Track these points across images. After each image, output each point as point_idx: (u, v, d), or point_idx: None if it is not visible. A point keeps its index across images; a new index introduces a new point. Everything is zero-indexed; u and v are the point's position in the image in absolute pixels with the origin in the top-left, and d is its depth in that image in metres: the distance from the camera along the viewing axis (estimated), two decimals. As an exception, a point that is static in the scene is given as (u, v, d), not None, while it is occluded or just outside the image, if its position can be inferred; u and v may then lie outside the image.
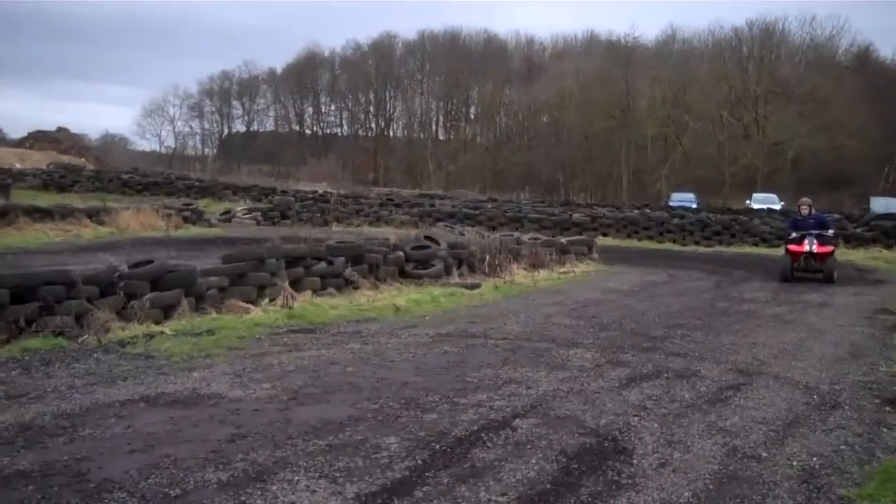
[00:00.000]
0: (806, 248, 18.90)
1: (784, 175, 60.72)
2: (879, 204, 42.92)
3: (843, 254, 26.67)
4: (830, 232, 19.41)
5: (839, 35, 66.35)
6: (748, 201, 47.75)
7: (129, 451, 5.47)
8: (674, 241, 31.10)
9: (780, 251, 25.93)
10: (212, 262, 12.75)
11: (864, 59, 70.85)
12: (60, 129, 69.13)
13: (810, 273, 19.12)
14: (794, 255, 19.16)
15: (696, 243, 30.71)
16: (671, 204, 46.03)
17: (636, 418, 6.67)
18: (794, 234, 19.36)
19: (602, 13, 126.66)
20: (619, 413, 6.81)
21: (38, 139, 66.91)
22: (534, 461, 5.51)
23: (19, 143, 67.39)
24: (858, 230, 30.64)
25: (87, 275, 9.64)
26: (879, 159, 58.69)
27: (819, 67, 63.96)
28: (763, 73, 61.89)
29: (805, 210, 19.67)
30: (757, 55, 63.46)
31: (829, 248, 19.12)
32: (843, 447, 6.11)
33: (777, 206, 44.39)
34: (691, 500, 4.96)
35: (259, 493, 4.78)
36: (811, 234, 18.96)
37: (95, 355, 8.32)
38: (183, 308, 10.41)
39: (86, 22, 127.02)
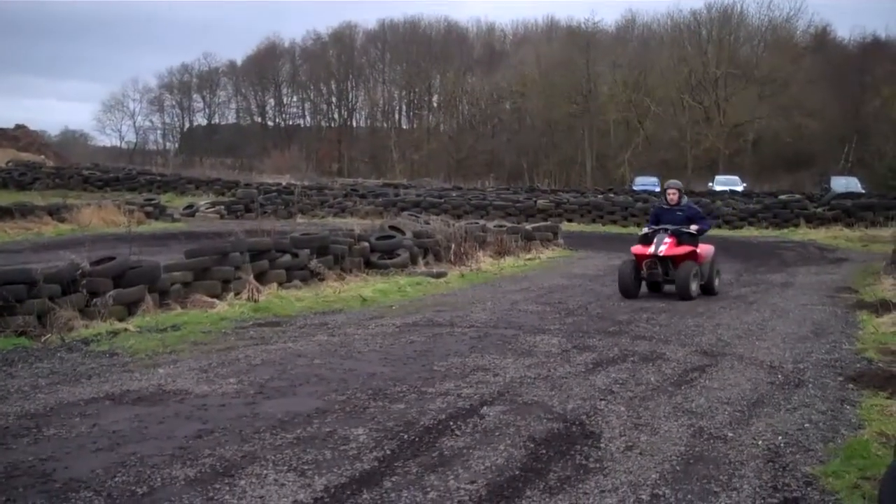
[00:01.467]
0: (651, 249, 13.17)
1: (746, 157, 61.16)
2: (839, 183, 43.30)
3: (805, 234, 27.01)
4: (694, 228, 13.41)
5: (797, 16, 66.78)
6: (711, 184, 48.05)
7: (94, 449, 5.43)
8: (638, 225, 31.12)
9: (744, 233, 26.26)
10: (175, 257, 12.67)
11: (822, 39, 71.33)
12: (18, 127, 68.12)
13: (659, 283, 13.61)
14: (638, 259, 13.46)
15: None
16: (634, 188, 46.25)
17: (603, 402, 6.71)
18: (646, 230, 13.79)
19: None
20: (586, 397, 6.85)
21: (-4, 137, 65.97)
22: (502, 448, 5.53)
23: (-23, 142, 66.38)
24: (819, 210, 30.97)
25: (48, 273, 9.55)
26: (839, 139, 59.23)
27: (778, 49, 64.29)
28: (722, 56, 62.14)
29: (673, 196, 13.73)
30: (716, 38, 63.67)
31: (684, 250, 13.16)
32: (807, 425, 6.19)
33: (739, 188, 44.74)
34: (658, 481, 5.00)
35: (227, 488, 4.76)
36: (663, 231, 13.36)
37: (59, 354, 8.24)
38: (147, 304, 10.34)
39: (42, 17, 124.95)
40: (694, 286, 13.00)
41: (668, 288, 13.58)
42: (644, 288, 13.66)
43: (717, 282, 13.90)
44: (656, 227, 13.44)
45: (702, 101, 62.81)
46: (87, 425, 5.94)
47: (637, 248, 13.45)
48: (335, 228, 18.17)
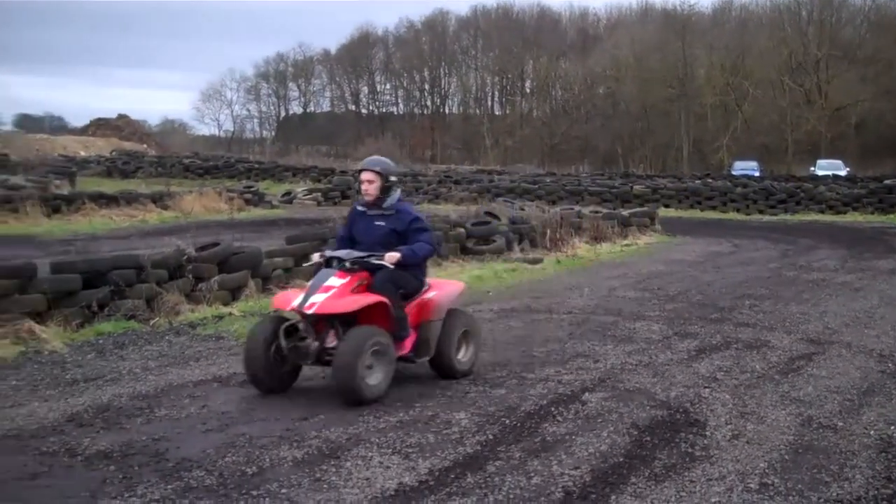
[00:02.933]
0: (296, 302, 6.60)
1: (849, 140, 59.42)
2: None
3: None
4: (393, 256, 6.68)
5: (902, -5, 64.68)
6: (812, 168, 46.83)
7: (204, 430, 5.57)
8: (737, 211, 30.65)
9: (848, 218, 25.58)
10: (276, 243, 12.88)
11: (929, 18, 68.92)
12: (121, 117, 70.17)
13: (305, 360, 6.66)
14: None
15: (761, 212, 30.23)
16: (733, 173, 45.39)
17: (707, 390, 6.61)
18: (317, 256, 7.24)
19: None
20: (690, 385, 6.75)
21: (99, 126, 68.02)
22: (605, 434, 5.49)
23: (82, 131, 68.56)
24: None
25: (155, 259, 9.79)
26: (947, 121, 57.21)
27: (881, 29, 62.28)
28: (824, 37, 60.51)
29: (369, 187, 7.05)
30: (817, 18, 62.06)
31: (355, 303, 6.55)
32: (921, 415, 6.00)
33: (842, 173, 43.49)
34: (767, 470, 4.90)
35: (334, 469, 4.84)
36: (337, 262, 6.81)
37: (167, 337, 8.46)
38: (250, 289, 10.54)
39: (138, 10, 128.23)
40: (375, 379, 6.24)
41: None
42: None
43: (468, 354, 7.14)
44: (331, 255, 6.87)
45: (802, 83, 61.27)
46: (197, 406, 6.10)
47: (278, 298, 7.14)
48: (430, 215, 18.23)
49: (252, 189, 29.75)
